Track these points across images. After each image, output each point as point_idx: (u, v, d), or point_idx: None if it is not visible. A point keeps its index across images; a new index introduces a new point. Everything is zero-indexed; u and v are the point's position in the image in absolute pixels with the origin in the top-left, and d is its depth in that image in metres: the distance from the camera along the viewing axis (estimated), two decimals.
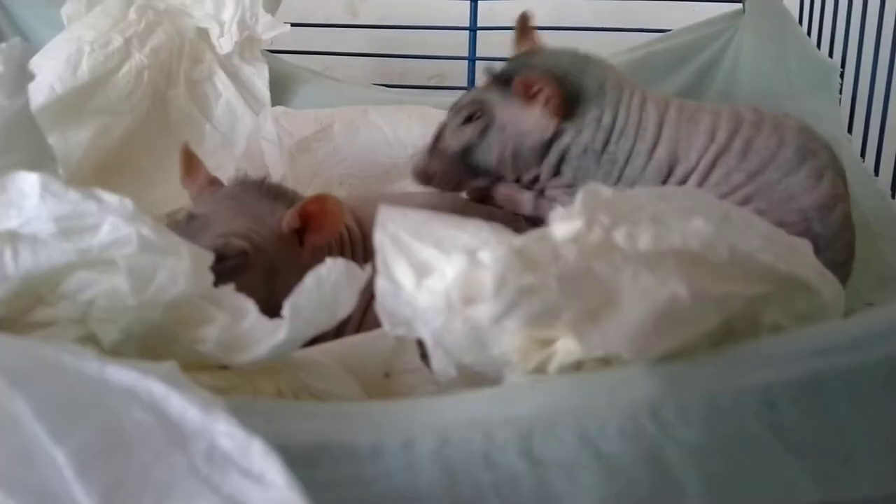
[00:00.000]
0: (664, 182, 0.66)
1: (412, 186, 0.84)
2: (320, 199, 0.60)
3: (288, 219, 0.61)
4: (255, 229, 0.60)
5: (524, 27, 0.75)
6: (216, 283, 0.58)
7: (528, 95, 0.67)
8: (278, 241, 0.61)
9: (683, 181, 0.66)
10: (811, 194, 0.63)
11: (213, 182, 0.66)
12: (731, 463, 0.30)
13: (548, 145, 0.68)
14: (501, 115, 0.69)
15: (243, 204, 0.62)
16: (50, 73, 0.78)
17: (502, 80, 0.69)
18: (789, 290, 0.35)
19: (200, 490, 0.28)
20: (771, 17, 0.89)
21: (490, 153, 0.69)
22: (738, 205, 0.63)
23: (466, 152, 0.70)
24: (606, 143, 0.67)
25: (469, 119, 0.69)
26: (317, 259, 0.63)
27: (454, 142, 0.70)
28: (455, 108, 0.71)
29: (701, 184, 0.65)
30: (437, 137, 0.71)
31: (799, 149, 0.65)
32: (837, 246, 0.64)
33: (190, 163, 0.67)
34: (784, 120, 0.67)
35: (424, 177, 0.71)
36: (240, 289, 0.56)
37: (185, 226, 0.60)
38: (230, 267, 0.58)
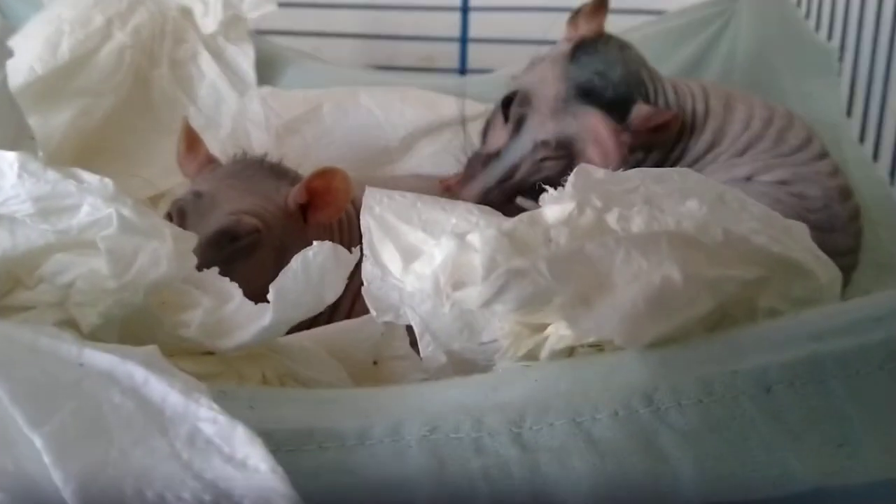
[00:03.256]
0: (695, 163, 0.67)
1: (402, 168, 0.84)
2: (327, 175, 0.60)
3: (294, 194, 0.60)
4: (265, 206, 0.60)
5: (602, 4, 0.70)
6: (229, 264, 0.57)
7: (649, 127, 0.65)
8: (285, 218, 0.60)
9: (713, 161, 0.67)
10: (834, 179, 0.66)
11: (212, 160, 0.66)
12: (725, 447, 0.29)
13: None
14: (590, 153, 0.65)
15: (248, 181, 0.62)
16: (29, 54, 0.77)
17: (605, 106, 0.66)
18: (785, 273, 0.35)
19: (182, 476, 0.27)
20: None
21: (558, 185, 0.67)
22: (762, 172, 0.65)
23: (538, 185, 0.66)
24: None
25: (550, 158, 0.66)
26: (320, 237, 0.62)
27: (532, 175, 0.66)
28: (537, 141, 0.66)
29: (728, 159, 0.66)
30: (509, 174, 0.66)
31: (822, 146, 0.68)
32: (852, 230, 0.66)
33: (190, 139, 0.66)
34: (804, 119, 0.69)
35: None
36: (252, 268, 0.56)
37: (192, 204, 0.59)
38: (243, 246, 0.57)
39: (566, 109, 0.66)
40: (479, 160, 0.69)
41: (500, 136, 0.68)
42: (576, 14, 0.70)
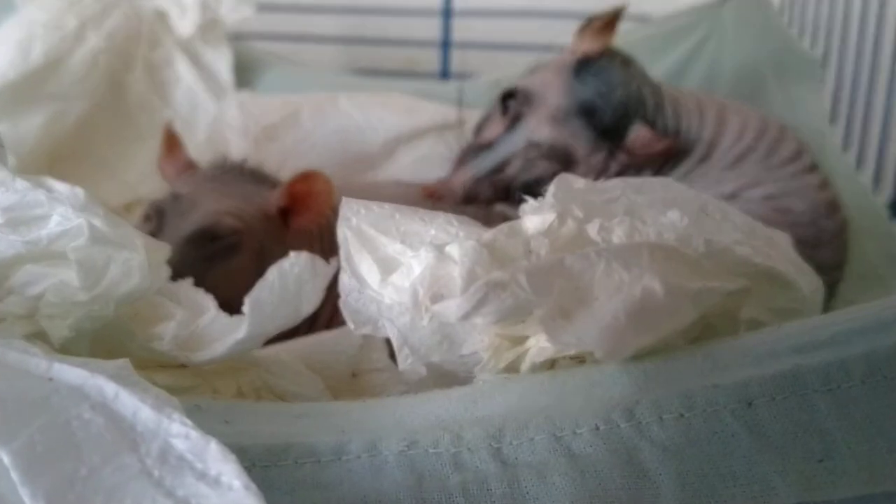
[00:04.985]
0: (686, 175, 0.68)
1: (383, 174, 0.83)
2: (309, 179, 0.59)
3: (276, 197, 0.60)
4: (245, 209, 0.59)
5: (614, 21, 0.70)
6: (208, 264, 0.56)
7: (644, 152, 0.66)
8: (266, 221, 0.60)
9: (703, 176, 0.67)
10: (822, 193, 0.67)
11: (192, 164, 0.66)
12: (706, 462, 0.29)
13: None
14: (589, 161, 0.67)
15: (228, 185, 0.61)
16: (1, 58, 0.76)
17: (602, 129, 0.67)
18: (767, 283, 0.34)
19: (153, 493, 0.26)
20: (753, 7, 0.89)
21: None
22: (750, 187, 0.66)
23: (529, 185, 0.67)
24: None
25: (542, 157, 0.67)
26: (301, 242, 0.62)
27: (522, 174, 0.67)
28: (531, 141, 0.67)
29: (718, 173, 0.67)
30: (500, 167, 0.67)
31: (812, 159, 0.69)
32: (837, 244, 0.67)
33: (170, 143, 0.65)
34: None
35: (467, 200, 0.68)
36: (231, 270, 0.56)
37: (171, 205, 0.59)
38: (223, 247, 0.57)
39: (565, 121, 0.67)
40: (472, 149, 0.69)
41: (495, 128, 0.69)
42: (585, 27, 0.70)
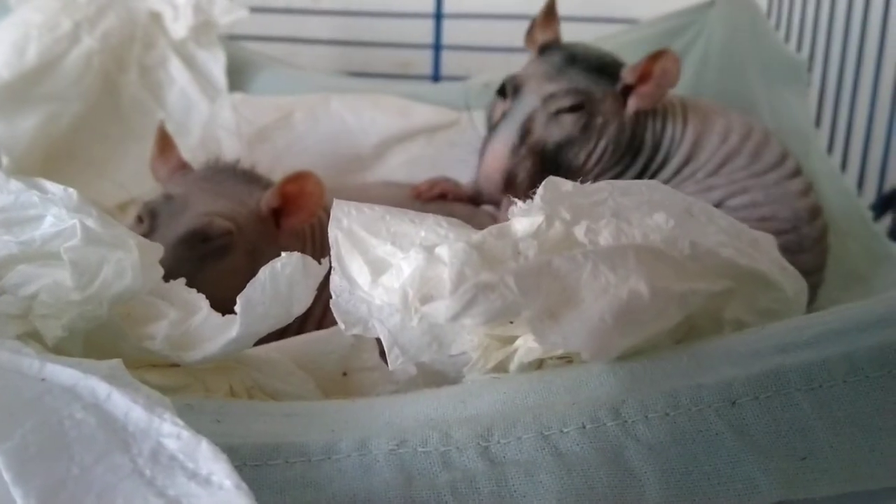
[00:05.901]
0: (674, 176, 0.69)
1: (375, 176, 0.84)
2: (300, 179, 0.60)
3: (267, 198, 0.60)
4: (237, 210, 0.59)
5: (550, 13, 0.72)
6: (200, 265, 0.56)
7: (644, 75, 0.66)
8: (258, 222, 0.60)
9: (690, 177, 0.68)
10: (804, 199, 0.67)
11: (184, 165, 0.66)
12: (691, 461, 0.29)
13: (632, 140, 0.67)
14: (604, 106, 0.67)
15: (220, 185, 0.62)
16: None
17: (595, 69, 0.67)
18: (751, 285, 0.35)
19: (145, 493, 0.26)
20: (740, 10, 0.89)
21: (583, 150, 0.66)
22: (736, 194, 0.66)
23: (562, 148, 0.66)
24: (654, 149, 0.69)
25: (565, 110, 0.66)
26: (292, 243, 0.62)
27: (552, 134, 0.66)
28: (544, 96, 0.66)
29: (705, 179, 0.67)
30: (526, 130, 0.65)
31: (796, 164, 0.69)
32: (818, 249, 0.68)
33: (163, 144, 0.66)
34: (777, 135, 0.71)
35: (508, 181, 0.65)
36: (223, 271, 0.56)
37: (164, 206, 0.59)
38: (215, 248, 0.57)
39: (560, 74, 0.68)
40: (489, 134, 0.69)
41: (502, 108, 0.69)
42: (531, 29, 0.73)
